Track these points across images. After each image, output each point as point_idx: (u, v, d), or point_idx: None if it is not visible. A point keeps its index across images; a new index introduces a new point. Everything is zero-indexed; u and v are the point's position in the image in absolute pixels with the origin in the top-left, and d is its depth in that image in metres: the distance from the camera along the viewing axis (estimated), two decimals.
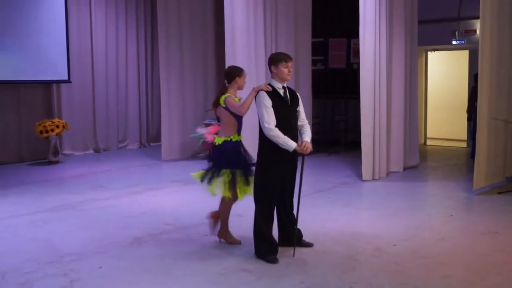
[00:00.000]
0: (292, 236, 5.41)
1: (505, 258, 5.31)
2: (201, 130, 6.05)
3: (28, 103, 11.29)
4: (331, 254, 5.41)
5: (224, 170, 5.50)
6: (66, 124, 11.01)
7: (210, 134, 5.78)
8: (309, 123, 5.55)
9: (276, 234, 5.53)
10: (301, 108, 5.43)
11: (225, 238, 5.76)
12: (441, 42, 12.53)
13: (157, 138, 13.39)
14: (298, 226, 5.49)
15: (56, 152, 10.99)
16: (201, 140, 5.87)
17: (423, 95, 13.18)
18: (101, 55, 12.45)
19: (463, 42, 12.20)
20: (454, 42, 12.29)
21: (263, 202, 5.24)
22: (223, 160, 5.54)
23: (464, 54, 12.68)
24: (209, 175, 5.59)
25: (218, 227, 5.82)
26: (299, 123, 5.38)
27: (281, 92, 5.24)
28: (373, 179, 9.04)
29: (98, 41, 12.33)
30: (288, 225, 5.51)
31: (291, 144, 5.07)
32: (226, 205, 5.69)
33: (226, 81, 5.61)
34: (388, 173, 9.49)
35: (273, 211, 5.35)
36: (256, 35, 10.06)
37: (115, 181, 9.22)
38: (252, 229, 5.34)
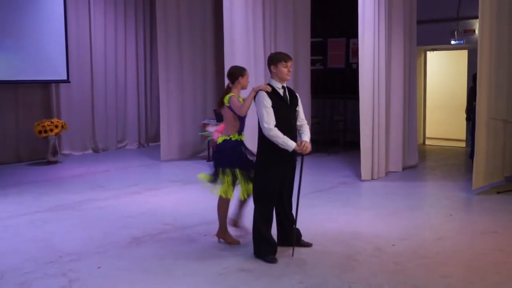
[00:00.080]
0: (291, 236, 5.41)
1: (504, 257, 5.31)
2: (210, 128, 6.08)
3: (27, 103, 11.29)
4: (330, 254, 5.41)
5: (226, 170, 5.50)
6: (65, 124, 11.00)
7: (217, 132, 5.79)
8: (308, 123, 5.55)
9: (275, 234, 5.53)
10: (300, 108, 5.43)
11: (224, 238, 5.76)
12: (440, 42, 12.55)
13: (156, 138, 13.38)
14: (297, 226, 5.49)
15: (55, 152, 10.99)
16: (209, 138, 5.86)
17: (422, 95, 13.18)
18: (100, 55, 12.45)
19: (462, 42, 12.21)
20: (453, 42, 12.30)
21: (263, 202, 5.23)
22: (223, 159, 5.56)
23: (463, 54, 12.68)
24: (215, 177, 5.56)
25: (244, 228, 5.82)
26: (298, 123, 5.38)
27: (281, 92, 5.24)
28: (372, 179, 9.04)
29: (97, 41, 12.33)
30: (287, 225, 5.51)
31: (290, 144, 5.07)
32: (224, 205, 5.69)
33: (229, 81, 5.63)
34: (387, 173, 9.50)
35: (273, 211, 5.35)
36: (255, 35, 10.06)
37: (114, 181, 9.22)
38: (251, 229, 5.34)
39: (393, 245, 5.66)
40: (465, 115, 10.55)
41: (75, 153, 12.04)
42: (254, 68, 9.84)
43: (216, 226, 5.89)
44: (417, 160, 10.34)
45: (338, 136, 13.16)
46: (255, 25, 10.04)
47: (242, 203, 5.80)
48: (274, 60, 5.26)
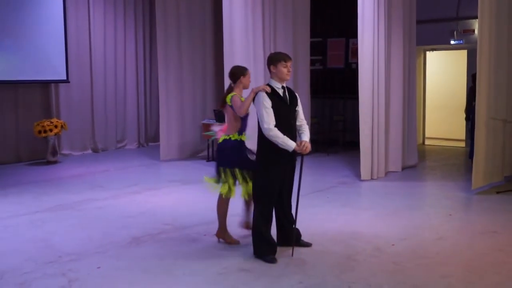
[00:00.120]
0: (291, 236, 5.41)
1: (504, 257, 5.32)
2: (215, 128, 6.10)
3: (26, 103, 11.29)
4: (330, 254, 5.41)
5: (226, 169, 5.50)
6: (64, 124, 11.00)
7: (221, 132, 5.81)
8: (307, 123, 5.55)
9: (275, 234, 5.53)
10: (299, 108, 5.43)
11: (224, 237, 5.76)
12: (440, 42, 12.55)
13: (155, 138, 13.39)
14: (297, 226, 5.49)
15: (54, 152, 10.99)
16: (213, 138, 5.87)
17: (421, 94, 13.18)
18: (100, 55, 12.45)
19: (461, 42, 12.21)
20: (452, 42, 12.30)
21: (263, 202, 5.23)
22: (223, 158, 5.59)
23: (463, 54, 12.69)
24: (218, 177, 5.57)
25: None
26: (297, 123, 5.38)
27: (280, 92, 5.24)
28: (372, 179, 9.04)
29: (96, 41, 12.33)
30: (286, 225, 5.51)
31: (290, 144, 5.07)
32: (223, 204, 5.69)
33: (231, 81, 5.64)
34: (387, 173, 9.50)
35: (272, 211, 5.35)
36: (255, 35, 10.06)
37: (113, 181, 9.22)
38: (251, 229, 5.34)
39: (393, 245, 5.67)
40: (464, 115, 10.56)
41: (75, 153, 12.04)
42: (254, 68, 9.83)
43: (215, 226, 5.90)
44: (417, 160, 10.34)
45: (337, 136, 13.16)
46: (254, 25, 10.04)
47: (247, 204, 5.80)
48: (274, 60, 5.26)
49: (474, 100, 8.34)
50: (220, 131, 5.85)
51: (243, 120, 5.56)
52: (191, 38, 11.48)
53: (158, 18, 11.08)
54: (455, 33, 12.16)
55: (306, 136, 5.34)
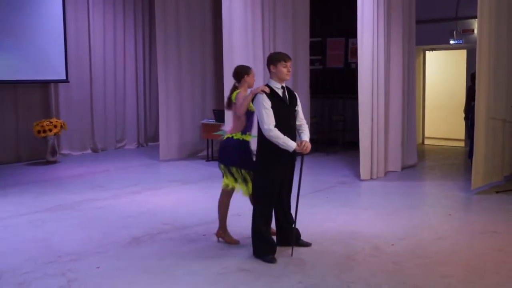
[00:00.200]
0: (290, 236, 5.42)
1: (504, 257, 5.32)
2: (226, 128, 6.12)
3: (26, 103, 11.29)
4: (329, 253, 5.41)
5: (225, 167, 5.52)
6: (64, 124, 11.00)
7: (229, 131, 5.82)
8: (307, 123, 5.55)
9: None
10: (299, 108, 5.42)
11: (224, 237, 5.77)
12: (439, 42, 12.55)
13: (155, 138, 13.40)
14: (296, 226, 5.49)
15: (54, 152, 10.99)
16: (222, 137, 5.87)
17: (421, 94, 13.19)
18: (99, 55, 12.45)
19: (461, 41, 12.22)
20: (452, 42, 12.30)
21: (263, 202, 5.23)
22: (223, 156, 5.60)
23: (462, 54, 12.69)
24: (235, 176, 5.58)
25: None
26: (297, 123, 5.38)
27: (280, 92, 5.24)
28: (371, 178, 9.04)
29: (96, 41, 12.33)
30: (286, 225, 5.51)
31: (291, 144, 5.07)
32: (225, 202, 5.70)
33: (235, 81, 5.65)
34: (386, 173, 9.50)
35: (272, 211, 5.35)
36: (254, 35, 10.06)
37: (113, 181, 9.22)
38: (250, 228, 5.34)
39: (392, 245, 5.67)
40: (463, 115, 10.56)
41: (74, 153, 12.04)
42: (253, 68, 9.78)
43: (215, 226, 5.90)
44: (416, 160, 10.35)
45: (337, 136, 13.17)
46: (254, 25, 10.04)
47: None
48: (274, 60, 5.25)
49: (473, 100, 8.34)
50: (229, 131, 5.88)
51: (248, 119, 5.53)
52: (191, 38, 11.48)
53: (157, 18, 11.07)
54: (454, 33, 12.17)
55: (306, 135, 5.34)
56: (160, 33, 11.08)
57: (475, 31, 10.89)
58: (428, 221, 6.70)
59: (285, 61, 5.23)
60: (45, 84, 11.57)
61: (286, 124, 5.18)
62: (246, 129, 5.56)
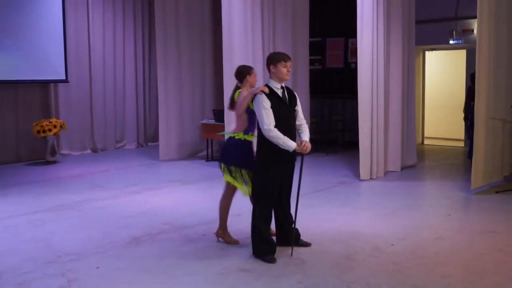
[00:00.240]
0: (290, 236, 5.42)
1: (503, 257, 5.32)
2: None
3: (25, 103, 11.29)
4: (329, 253, 5.41)
5: (225, 166, 5.55)
6: (63, 124, 11.00)
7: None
8: (307, 123, 5.55)
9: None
10: (299, 108, 5.42)
11: (223, 237, 5.77)
12: (439, 42, 12.56)
13: (154, 138, 13.40)
14: (296, 226, 5.49)
15: (53, 152, 10.99)
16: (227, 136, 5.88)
17: (420, 94, 13.19)
18: (99, 55, 12.45)
19: (460, 41, 12.22)
20: (451, 42, 12.31)
21: (263, 202, 5.23)
22: (224, 155, 5.62)
23: (462, 54, 12.69)
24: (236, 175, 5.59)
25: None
26: (297, 122, 5.37)
27: (279, 92, 5.24)
28: (371, 178, 9.04)
29: (95, 41, 12.33)
30: (285, 225, 5.51)
31: (291, 145, 5.07)
32: (227, 201, 5.70)
33: (237, 81, 5.66)
34: (386, 173, 9.51)
35: (272, 211, 5.36)
36: (254, 35, 10.05)
37: (113, 181, 9.22)
38: (250, 228, 5.34)
39: (392, 244, 5.67)
40: (463, 115, 10.56)
41: (74, 153, 12.04)
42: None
43: (215, 226, 5.90)
44: (416, 160, 10.35)
45: (336, 136, 13.17)
46: (253, 25, 10.04)
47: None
48: (274, 60, 5.25)
49: (473, 100, 8.34)
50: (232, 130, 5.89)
51: (251, 119, 5.51)
52: (190, 37, 11.48)
53: (157, 18, 11.08)
54: (454, 33, 12.17)
55: (306, 135, 5.34)
56: (159, 33, 11.08)
57: (475, 31, 10.90)
58: (428, 221, 6.70)
59: (285, 61, 5.22)
60: (44, 84, 11.57)
61: (286, 124, 5.17)
62: (249, 129, 5.56)
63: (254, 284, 4.70)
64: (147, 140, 13.62)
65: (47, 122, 10.72)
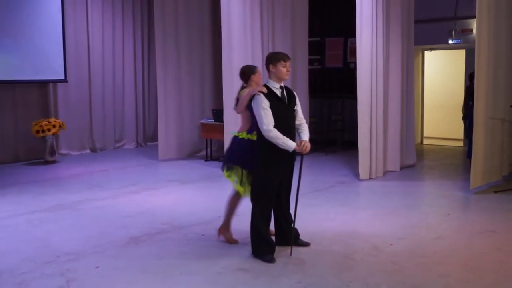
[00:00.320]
0: (289, 236, 5.41)
1: (502, 256, 5.32)
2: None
3: (24, 102, 11.28)
4: (328, 253, 5.41)
5: (228, 165, 5.58)
6: (62, 124, 10.99)
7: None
8: (306, 123, 5.54)
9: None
10: (298, 107, 5.41)
11: (224, 235, 5.76)
12: (438, 42, 12.56)
13: (154, 137, 13.40)
14: (295, 226, 5.49)
15: (52, 152, 10.98)
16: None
17: (419, 94, 13.19)
18: (98, 55, 12.44)
19: (459, 41, 12.22)
20: (450, 42, 12.31)
21: (263, 202, 5.23)
22: (228, 154, 5.66)
23: (461, 54, 12.70)
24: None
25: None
26: (296, 122, 5.37)
27: (278, 92, 5.22)
28: (370, 178, 9.04)
29: (94, 41, 12.33)
30: (285, 225, 5.51)
31: (290, 144, 5.06)
32: (234, 202, 5.70)
33: (243, 82, 5.66)
34: (385, 172, 9.51)
35: (271, 211, 5.35)
36: (253, 34, 10.05)
37: (112, 180, 9.21)
38: (250, 228, 5.34)
39: (391, 244, 5.67)
40: (461, 114, 10.57)
41: (73, 153, 12.03)
42: None
43: (214, 226, 5.91)
44: (415, 160, 10.35)
45: (336, 136, 13.17)
46: (252, 25, 10.04)
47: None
48: (273, 59, 5.24)
49: (471, 100, 8.34)
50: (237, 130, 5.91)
51: (253, 119, 5.52)
52: (190, 37, 11.48)
53: (156, 18, 11.07)
54: (453, 32, 12.17)
55: (305, 135, 5.33)
56: (158, 33, 11.08)
57: (474, 31, 10.89)
58: (426, 220, 6.70)
59: (284, 61, 5.21)
60: (43, 84, 11.56)
61: (285, 124, 5.17)
62: (252, 129, 5.54)
63: (253, 284, 4.69)
64: (146, 139, 13.61)
65: (46, 122, 10.71)
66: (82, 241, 5.87)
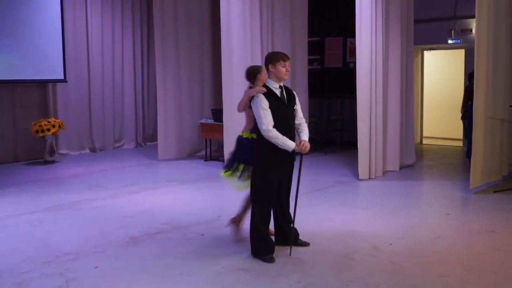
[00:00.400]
0: (289, 235, 5.41)
1: (502, 256, 5.32)
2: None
3: (24, 102, 11.28)
4: (328, 253, 5.41)
5: (235, 163, 5.61)
6: (62, 124, 10.99)
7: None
8: (305, 122, 5.54)
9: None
10: (298, 107, 5.41)
11: (235, 227, 5.74)
12: (437, 41, 12.56)
13: (153, 137, 13.40)
14: (295, 225, 5.48)
15: (52, 152, 10.97)
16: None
17: (419, 94, 13.19)
18: (97, 54, 12.44)
19: (459, 41, 12.22)
20: (450, 41, 12.31)
21: (262, 202, 5.22)
22: (234, 153, 5.69)
23: (460, 53, 12.70)
24: (231, 170, 5.62)
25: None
26: (296, 122, 5.36)
27: (278, 92, 5.22)
28: (370, 178, 9.04)
29: (94, 40, 12.32)
30: (284, 225, 5.51)
31: (289, 144, 5.06)
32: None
33: (249, 82, 5.67)
34: (385, 172, 9.51)
35: (271, 211, 5.35)
36: (253, 34, 10.05)
37: (111, 180, 9.21)
38: (249, 228, 5.34)
39: (391, 244, 5.67)
40: (460, 114, 10.57)
41: (72, 153, 12.03)
42: None
43: (213, 226, 5.91)
44: (415, 159, 10.35)
45: (335, 136, 13.17)
46: (252, 24, 10.04)
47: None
48: (272, 59, 5.23)
49: (470, 99, 8.34)
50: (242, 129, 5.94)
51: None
52: (189, 37, 11.47)
53: (155, 18, 11.06)
54: (452, 32, 12.18)
55: (305, 135, 5.33)
56: (158, 33, 11.07)
57: (473, 31, 10.89)
58: (426, 220, 6.71)
59: (284, 61, 5.21)
60: (43, 84, 11.56)
61: (285, 124, 5.16)
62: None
63: (253, 284, 4.69)
64: (146, 139, 13.61)
65: (46, 122, 10.71)
66: (82, 241, 5.87)
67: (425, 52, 13.45)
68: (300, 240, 5.61)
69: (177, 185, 8.86)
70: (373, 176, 9.10)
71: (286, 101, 5.25)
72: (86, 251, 5.55)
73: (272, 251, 5.26)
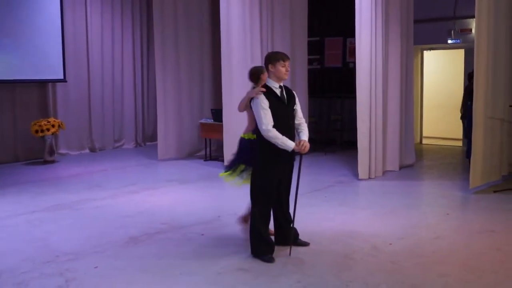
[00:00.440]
0: (289, 235, 5.41)
1: (502, 256, 5.32)
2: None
3: (23, 102, 11.28)
4: (328, 253, 5.41)
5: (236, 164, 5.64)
6: (61, 124, 10.99)
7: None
8: (305, 122, 5.54)
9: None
10: (298, 107, 5.41)
11: (246, 225, 5.75)
12: (437, 41, 12.56)
13: (153, 137, 13.39)
14: (295, 225, 5.49)
15: (51, 152, 10.97)
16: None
17: (419, 94, 13.19)
18: (97, 55, 12.44)
19: (458, 41, 12.22)
20: (449, 41, 12.31)
21: (262, 202, 5.22)
22: (236, 154, 5.71)
23: (460, 53, 12.70)
24: (232, 170, 5.64)
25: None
26: (296, 122, 5.36)
27: (278, 92, 5.22)
28: (369, 178, 9.05)
29: (94, 41, 12.32)
30: (284, 225, 5.51)
31: (289, 144, 5.06)
32: None
33: (253, 83, 5.68)
34: (384, 172, 9.51)
35: (271, 211, 5.35)
36: (252, 35, 10.05)
37: (111, 180, 9.21)
38: (249, 228, 5.34)
39: (390, 244, 5.67)
40: (460, 114, 10.57)
41: (72, 153, 12.03)
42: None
43: (213, 226, 5.91)
44: (414, 159, 10.35)
45: (335, 136, 13.16)
46: (252, 25, 10.03)
47: None
48: (272, 59, 5.23)
49: (470, 99, 8.34)
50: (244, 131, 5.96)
51: None
52: (189, 38, 11.47)
53: (155, 19, 11.06)
54: (452, 32, 12.18)
55: (305, 135, 5.33)
56: (157, 34, 11.07)
57: (473, 31, 10.90)
58: (426, 220, 6.71)
59: (284, 61, 5.20)
60: (43, 84, 11.55)
61: (285, 124, 5.16)
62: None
63: (252, 284, 4.69)
64: (146, 139, 13.61)
65: (45, 122, 10.71)
66: (81, 241, 5.87)
67: (425, 52, 13.45)
68: (300, 240, 5.61)
69: (177, 185, 8.86)
70: (373, 176, 9.10)
71: (286, 101, 5.25)
72: (86, 251, 5.55)
73: (272, 251, 5.26)
